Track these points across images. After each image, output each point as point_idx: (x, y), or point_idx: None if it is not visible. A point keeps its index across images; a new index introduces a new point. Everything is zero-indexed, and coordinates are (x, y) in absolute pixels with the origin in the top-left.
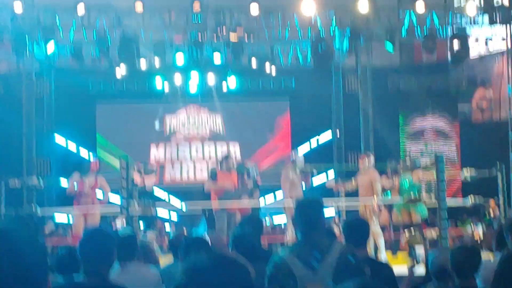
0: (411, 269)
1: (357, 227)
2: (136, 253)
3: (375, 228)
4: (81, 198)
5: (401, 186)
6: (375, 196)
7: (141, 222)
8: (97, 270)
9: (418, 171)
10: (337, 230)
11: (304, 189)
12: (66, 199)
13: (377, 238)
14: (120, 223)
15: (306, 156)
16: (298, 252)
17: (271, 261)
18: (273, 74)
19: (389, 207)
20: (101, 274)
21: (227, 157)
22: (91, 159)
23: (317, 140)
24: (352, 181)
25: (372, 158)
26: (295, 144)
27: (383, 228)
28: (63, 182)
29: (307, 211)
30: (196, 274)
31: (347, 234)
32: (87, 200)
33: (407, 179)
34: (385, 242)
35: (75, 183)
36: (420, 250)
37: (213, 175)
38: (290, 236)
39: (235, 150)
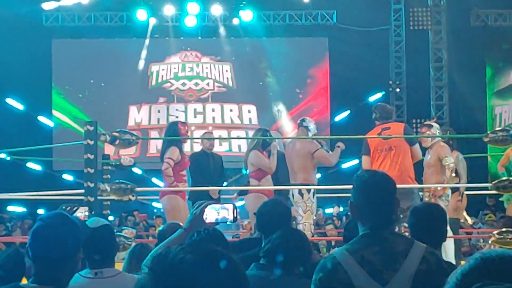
0: None
1: (429, 219)
2: (114, 254)
3: None
4: None
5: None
6: (446, 176)
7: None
8: (54, 277)
9: None
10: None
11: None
12: None
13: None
14: (83, 214)
15: (350, 124)
16: (361, 254)
17: (320, 265)
18: (305, 1)
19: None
20: (59, 283)
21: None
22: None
23: (367, 100)
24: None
25: (435, 128)
26: (335, 106)
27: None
28: None
29: (371, 190)
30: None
31: (414, 229)
32: None
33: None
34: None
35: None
36: None
37: (265, 145)
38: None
39: (251, 115)
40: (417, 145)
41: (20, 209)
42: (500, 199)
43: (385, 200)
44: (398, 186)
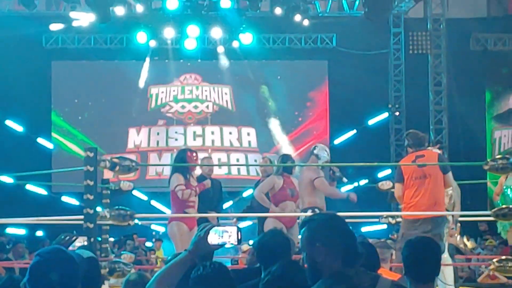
0: None
1: (423, 253)
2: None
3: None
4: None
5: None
6: (445, 203)
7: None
8: None
9: None
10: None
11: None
12: None
13: (444, 268)
14: (82, 241)
15: (350, 147)
16: None
17: None
18: (305, 25)
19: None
20: None
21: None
22: None
23: (367, 123)
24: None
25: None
26: (335, 129)
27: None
28: None
29: (330, 232)
30: None
31: (408, 262)
32: None
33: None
34: (457, 274)
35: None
36: None
37: (288, 169)
38: None
39: (250, 138)
40: (450, 173)
41: (20, 231)
42: (499, 230)
43: (345, 239)
44: (431, 213)
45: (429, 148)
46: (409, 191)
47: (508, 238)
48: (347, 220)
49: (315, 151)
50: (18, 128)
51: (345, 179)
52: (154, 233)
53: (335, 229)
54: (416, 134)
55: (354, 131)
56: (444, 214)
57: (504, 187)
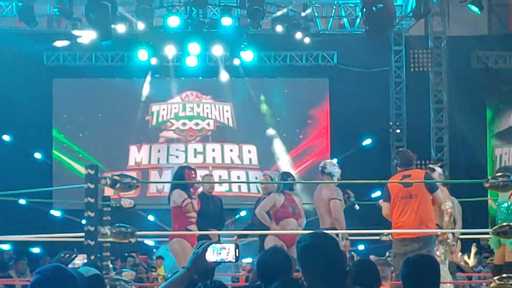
0: None
1: (422, 271)
2: None
3: (442, 271)
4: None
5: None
6: (444, 220)
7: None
8: None
9: None
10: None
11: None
12: None
13: (444, 286)
14: (81, 262)
15: (349, 165)
16: None
17: None
18: (306, 42)
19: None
20: None
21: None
22: None
23: (370, 140)
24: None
25: (437, 172)
26: (335, 147)
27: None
28: None
29: (318, 253)
30: None
31: (407, 281)
32: None
33: (502, 202)
34: None
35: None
36: None
37: (289, 187)
38: None
39: (251, 155)
40: (438, 191)
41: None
42: (488, 242)
43: (328, 263)
44: (418, 231)
45: (431, 165)
46: (396, 211)
47: (496, 256)
48: (350, 238)
49: (326, 170)
50: (19, 145)
51: (357, 207)
52: (154, 250)
53: (317, 255)
54: (405, 153)
55: (354, 148)
56: (444, 231)
57: (497, 204)
